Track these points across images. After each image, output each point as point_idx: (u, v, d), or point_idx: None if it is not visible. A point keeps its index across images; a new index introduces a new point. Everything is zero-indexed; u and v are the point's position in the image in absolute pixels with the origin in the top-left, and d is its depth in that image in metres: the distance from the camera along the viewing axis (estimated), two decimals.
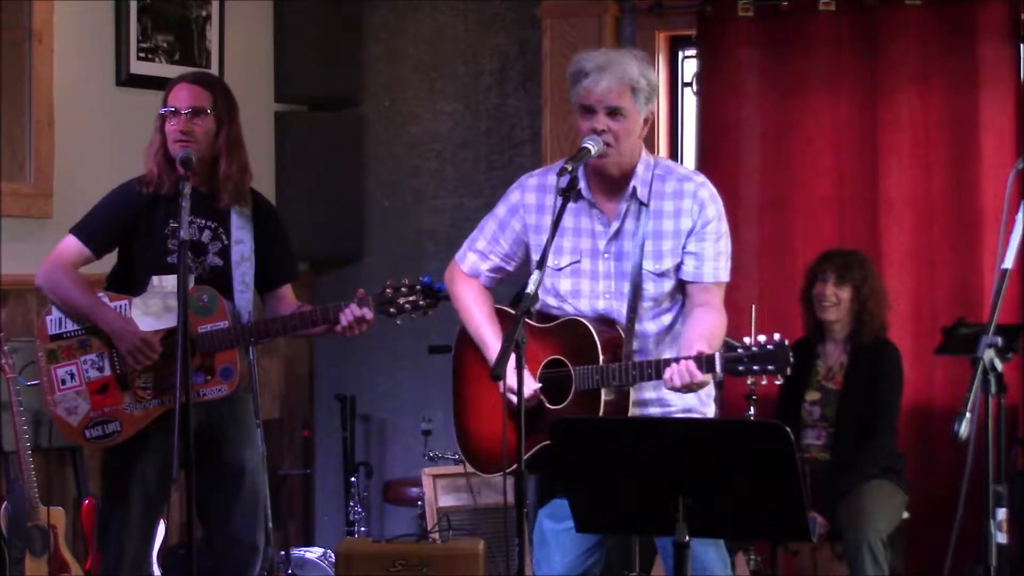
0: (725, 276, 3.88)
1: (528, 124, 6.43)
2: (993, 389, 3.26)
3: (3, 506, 5.00)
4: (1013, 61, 5.64)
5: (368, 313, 4.18)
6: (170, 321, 4.21)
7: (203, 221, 4.31)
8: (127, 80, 5.85)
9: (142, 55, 5.91)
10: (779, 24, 5.87)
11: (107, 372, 4.29)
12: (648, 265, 3.83)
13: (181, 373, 3.88)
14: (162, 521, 5.29)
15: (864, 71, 5.79)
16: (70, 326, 4.30)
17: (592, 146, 3.80)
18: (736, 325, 5.47)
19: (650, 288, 3.84)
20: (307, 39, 6.50)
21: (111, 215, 4.34)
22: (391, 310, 4.23)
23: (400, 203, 6.64)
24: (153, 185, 4.31)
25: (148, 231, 4.31)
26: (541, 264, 3.59)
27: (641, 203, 3.85)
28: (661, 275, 3.83)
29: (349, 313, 4.18)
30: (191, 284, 4.18)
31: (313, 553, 6.02)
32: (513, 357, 3.46)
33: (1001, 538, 3.34)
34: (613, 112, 3.80)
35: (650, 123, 3.86)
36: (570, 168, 3.71)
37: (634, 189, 3.85)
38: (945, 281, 5.73)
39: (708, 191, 3.87)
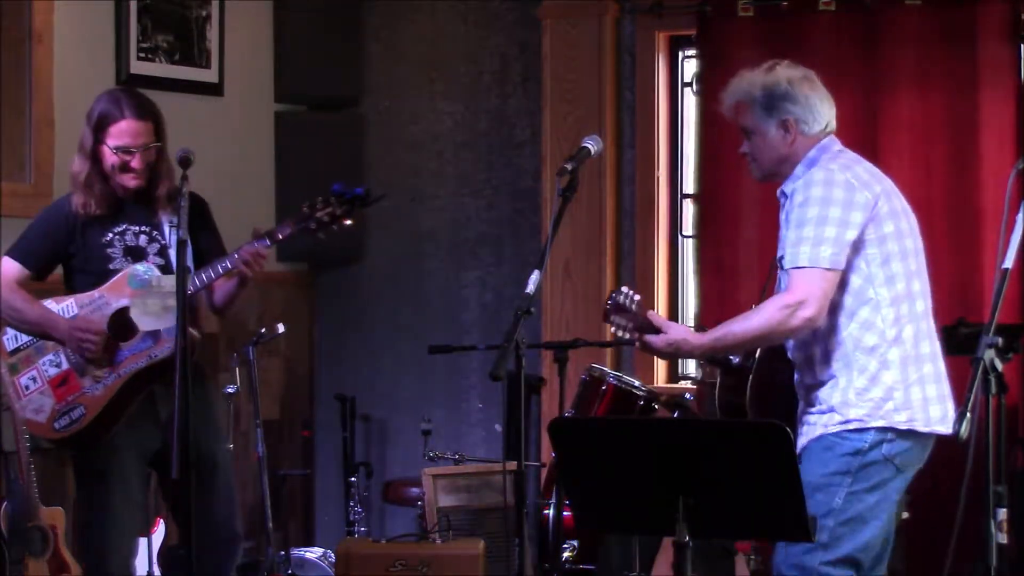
0: (805, 260, 3.69)
1: (528, 124, 6.43)
2: (993, 389, 3.25)
3: (3, 506, 5.00)
4: (1013, 61, 5.63)
5: (262, 248, 4.29)
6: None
7: (138, 227, 4.44)
8: (127, 80, 5.85)
9: (142, 55, 5.91)
10: (779, 24, 5.87)
11: (65, 366, 4.40)
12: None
13: (180, 381, 3.91)
14: (162, 521, 5.30)
15: (864, 71, 5.78)
16: (23, 339, 4.44)
17: (592, 146, 3.81)
18: None
19: (784, 279, 3.84)
20: (307, 39, 6.50)
21: (43, 235, 4.47)
22: (312, 226, 4.34)
23: (400, 203, 6.64)
24: (88, 210, 4.40)
25: (84, 245, 4.42)
26: (540, 264, 3.60)
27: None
28: (781, 266, 3.84)
29: (246, 253, 4.28)
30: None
31: (313, 553, 6.02)
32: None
33: (1001, 538, 3.34)
34: (746, 132, 3.91)
35: (790, 126, 3.85)
36: (570, 168, 3.71)
37: (781, 190, 3.90)
38: (945, 281, 5.71)
39: (805, 180, 3.80)
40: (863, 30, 5.77)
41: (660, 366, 6.19)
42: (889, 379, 3.76)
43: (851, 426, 3.74)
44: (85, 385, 4.38)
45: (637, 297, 3.93)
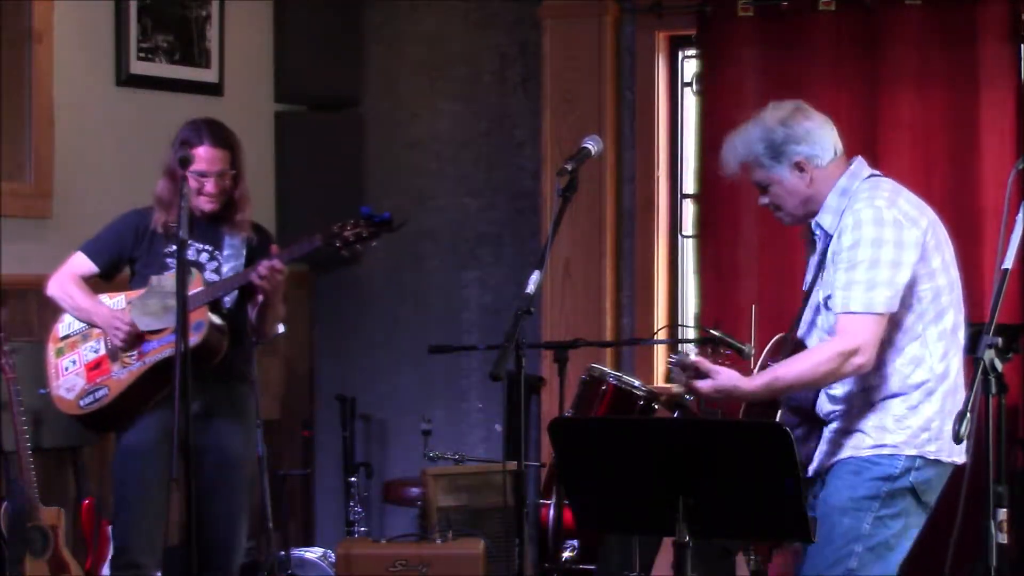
0: (858, 306, 3.60)
1: (528, 124, 6.43)
2: (993, 389, 3.25)
3: (3, 506, 5.00)
4: (1013, 61, 5.63)
5: (277, 263, 4.50)
6: (169, 321, 4.40)
7: (201, 245, 4.64)
8: (127, 80, 5.85)
9: (142, 55, 5.91)
10: (779, 24, 5.87)
11: (101, 352, 4.64)
12: (819, 295, 3.77)
13: (180, 382, 3.95)
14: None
15: (864, 71, 5.78)
16: (76, 326, 4.69)
17: (592, 146, 3.81)
18: (736, 326, 5.50)
19: (822, 319, 3.77)
20: (307, 39, 6.50)
21: (112, 237, 4.73)
22: (337, 243, 4.54)
23: (400, 203, 6.64)
24: (168, 229, 4.60)
25: (147, 252, 4.67)
26: (540, 264, 3.60)
27: (828, 234, 3.77)
28: (826, 306, 3.75)
29: (263, 267, 4.49)
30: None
31: (313, 553, 6.02)
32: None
33: (1001, 538, 3.33)
34: (760, 187, 3.83)
35: (804, 166, 3.75)
36: (570, 168, 3.71)
37: (816, 222, 3.80)
38: None
39: (853, 218, 3.68)
40: (863, 30, 5.77)
41: (660, 366, 6.18)
42: (929, 410, 3.69)
43: (884, 451, 3.67)
44: (114, 370, 4.61)
45: (694, 351, 3.91)
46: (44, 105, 5.52)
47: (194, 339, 4.40)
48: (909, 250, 3.66)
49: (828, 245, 3.77)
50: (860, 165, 3.84)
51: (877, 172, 3.86)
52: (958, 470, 3.69)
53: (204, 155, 4.52)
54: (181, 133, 4.63)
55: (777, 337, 4.01)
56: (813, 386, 3.76)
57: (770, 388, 3.72)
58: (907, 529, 3.72)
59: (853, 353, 3.61)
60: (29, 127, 5.50)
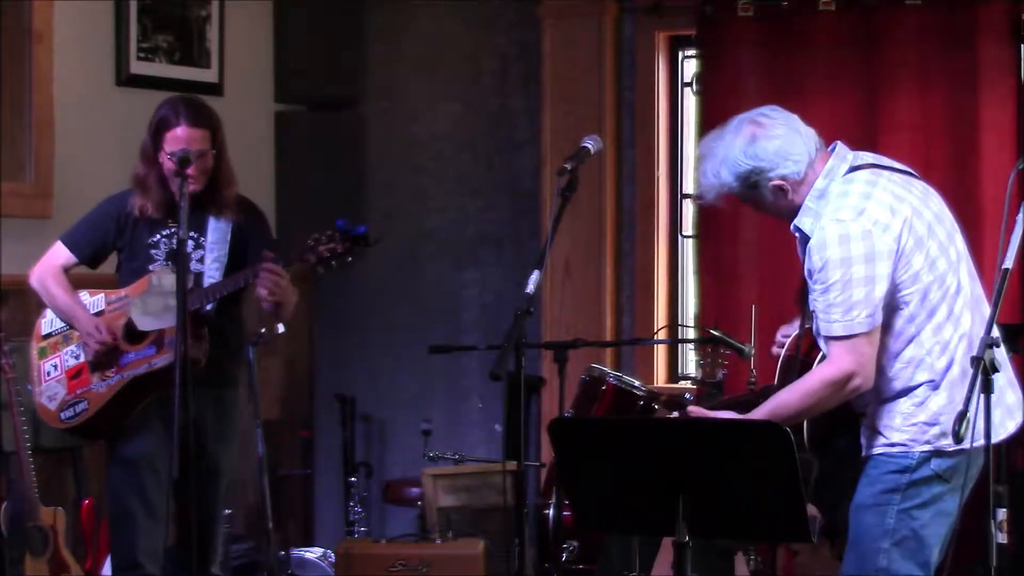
0: (840, 330, 3.50)
1: (528, 124, 6.43)
2: (994, 389, 3.25)
3: (3, 506, 5.01)
4: (1013, 61, 5.63)
5: (277, 267, 4.32)
6: (169, 320, 4.32)
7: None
8: (127, 80, 5.86)
9: (142, 55, 5.92)
10: (779, 24, 5.87)
11: (82, 359, 4.54)
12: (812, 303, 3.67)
13: (180, 381, 3.96)
14: None
15: (864, 71, 5.78)
16: (58, 324, 4.60)
17: (592, 145, 3.81)
18: (736, 326, 5.50)
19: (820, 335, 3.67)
20: (307, 39, 6.50)
21: (92, 227, 4.63)
22: (311, 258, 4.35)
23: (400, 203, 6.64)
24: (144, 213, 4.54)
25: (131, 241, 4.56)
26: (540, 264, 3.60)
27: (807, 236, 3.64)
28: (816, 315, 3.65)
29: (265, 281, 4.31)
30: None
31: (313, 553, 6.02)
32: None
33: (1001, 538, 3.34)
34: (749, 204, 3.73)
35: (782, 187, 3.61)
36: (569, 168, 3.71)
37: (796, 226, 3.66)
38: None
39: (819, 237, 3.56)
40: (863, 30, 5.77)
41: (660, 366, 6.19)
42: (935, 405, 3.58)
43: (895, 449, 3.60)
44: (93, 381, 4.52)
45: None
46: (44, 105, 5.53)
47: (169, 357, 4.33)
48: (882, 261, 3.52)
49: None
50: (838, 160, 3.67)
51: (858, 162, 3.69)
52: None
53: (182, 135, 4.39)
54: (159, 112, 4.49)
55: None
56: (815, 412, 3.65)
57: (773, 420, 3.58)
58: (939, 517, 3.61)
59: (848, 379, 3.53)
60: (29, 127, 5.50)
